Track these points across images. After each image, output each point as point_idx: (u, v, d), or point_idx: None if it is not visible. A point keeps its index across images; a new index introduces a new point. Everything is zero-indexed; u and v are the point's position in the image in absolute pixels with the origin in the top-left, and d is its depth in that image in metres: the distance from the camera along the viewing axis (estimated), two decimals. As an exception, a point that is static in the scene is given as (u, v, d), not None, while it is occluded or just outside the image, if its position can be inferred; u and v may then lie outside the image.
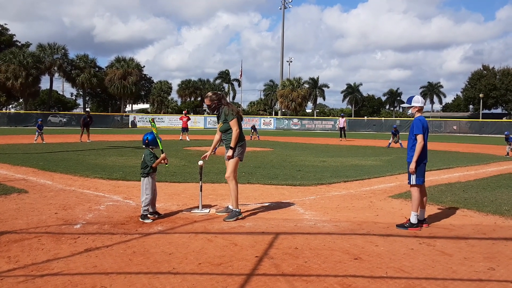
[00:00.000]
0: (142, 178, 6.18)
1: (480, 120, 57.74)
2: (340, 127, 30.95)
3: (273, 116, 70.37)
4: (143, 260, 4.38)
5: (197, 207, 6.74)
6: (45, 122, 50.10)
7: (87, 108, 73.10)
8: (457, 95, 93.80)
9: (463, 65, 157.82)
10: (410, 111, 6.15)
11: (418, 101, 6.06)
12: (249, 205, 7.21)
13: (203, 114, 74.50)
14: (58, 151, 17.05)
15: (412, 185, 5.96)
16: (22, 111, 58.73)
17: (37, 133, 22.16)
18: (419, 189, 5.94)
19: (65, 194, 7.85)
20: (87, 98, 77.52)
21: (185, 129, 26.16)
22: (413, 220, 5.82)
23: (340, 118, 31.66)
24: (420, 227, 5.85)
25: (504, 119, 62.76)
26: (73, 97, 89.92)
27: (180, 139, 25.66)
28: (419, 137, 5.82)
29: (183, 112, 28.88)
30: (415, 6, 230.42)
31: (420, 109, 6.08)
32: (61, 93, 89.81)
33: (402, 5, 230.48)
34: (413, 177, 5.91)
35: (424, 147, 5.87)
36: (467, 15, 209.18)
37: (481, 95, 65.82)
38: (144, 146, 6.25)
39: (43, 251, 4.62)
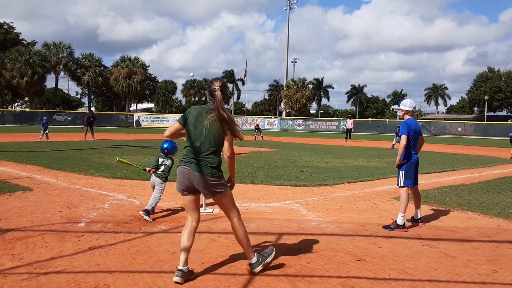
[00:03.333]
0: (161, 181, 6.41)
1: (485, 122, 57.48)
2: (348, 128, 30.91)
3: (277, 116, 70.32)
4: (146, 259, 4.39)
5: (201, 207, 6.75)
6: (50, 121, 50.19)
7: (92, 107, 73.23)
8: (462, 97, 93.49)
9: (467, 68, 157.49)
10: (398, 113, 6.33)
11: (406, 104, 6.24)
12: (252, 206, 7.21)
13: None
14: (63, 149, 17.11)
15: (401, 187, 6.06)
16: (27, 110, 58.93)
17: (42, 131, 22.27)
18: (408, 191, 6.06)
19: (69, 193, 7.88)
20: (92, 97, 77.73)
21: None
22: (400, 221, 5.87)
23: (348, 119, 31.61)
24: (407, 228, 5.91)
25: (509, 122, 62.45)
26: (78, 96, 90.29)
27: None
28: (403, 138, 5.96)
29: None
30: (418, 8, 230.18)
31: (408, 113, 6.21)
32: (66, 91, 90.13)
33: (405, 6, 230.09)
34: (402, 179, 6.04)
35: (408, 147, 5.99)
36: (471, 17, 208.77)
37: (486, 97, 65.54)
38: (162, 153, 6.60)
39: (47, 249, 4.64)
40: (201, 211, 6.54)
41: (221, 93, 3.85)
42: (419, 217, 6.23)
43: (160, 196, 6.40)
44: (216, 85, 3.87)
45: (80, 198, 7.39)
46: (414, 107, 6.24)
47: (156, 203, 6.31)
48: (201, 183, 3.83)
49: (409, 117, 6.18)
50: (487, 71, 74.76)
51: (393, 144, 23.43)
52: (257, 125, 33.06)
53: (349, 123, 30.91)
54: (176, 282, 3.76)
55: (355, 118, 72.74)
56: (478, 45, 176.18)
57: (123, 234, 5.28)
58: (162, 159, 6.49)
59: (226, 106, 3.89)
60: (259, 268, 4.02)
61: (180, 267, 3.82)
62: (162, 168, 6.47)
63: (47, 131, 22.19)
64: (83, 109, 77.67)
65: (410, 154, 6.02)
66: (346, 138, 30.59)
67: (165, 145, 6.55)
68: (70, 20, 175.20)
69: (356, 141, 30.50)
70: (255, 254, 4.06)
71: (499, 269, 4.36)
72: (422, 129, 6.67)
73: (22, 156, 13.66)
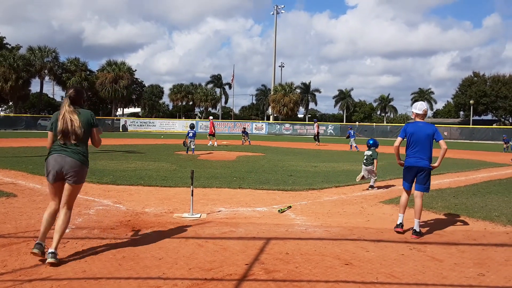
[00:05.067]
0: (365, 167, 9.58)
1: (471, 126, 58.18)
2: (315, 132, 30.82)
3: (265, 121, 70.41)
4: (132, 265, 4.34)
5: (188, 212, 6.71)
6: (35, 126, 49.73)
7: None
8: (447, 101, 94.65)
9: (451, 72, 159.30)
10: (412, 115, 6.46)
11: (415, 107, 6.27)
12: (240, 210, 7.18)
13: (195, 118, 74.44)
14: (48, 154, 16.86)
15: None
16: (11, 115, 58.23)
17: None
18: (406, 194, 6.15)
19: (55, 198, 7.76)
20: (78, 102, 76.89)
21: (211, 135, 25.54)
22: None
23: (314, 123, 31.51)
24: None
25: (494, 126, 63.34)
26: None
27: (210, 144, 25.03)
28: (397, 140, 6.18)
29: (210, 118, 28.12)
30: (402, 13, 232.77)
31: (418, 115, 6.18)
32: (52, 96, 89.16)
33: (389, 12, 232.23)
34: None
35: (406, 149, 6.16)
36: (454, 22, 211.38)
37: (471, 102, 66.40)
38: (367, 146, 9.88)
39: (32, 255, 4.56)
40: (188, 216, 6.52)
41: (71, 98, 4.62)
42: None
43: (375, 174, 9.67)
44: (67, 93, 4.69)
45: (66, 204, 7.27)
46: (425, 110, 6.18)
47: (375, 180, 9.77)
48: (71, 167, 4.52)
49: (419, 119, 6.17)
50: (472, 75, 75.77)
51: (354, 146, 24.67)
52: (244, 128, 32.26)
53: (314, 127, 30.82)
54: (52, 264, 4.23)
55: (343, 122, 73.20)
56: (462, 50, 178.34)
57: (109, 240, 5.22)
58: (366, 152, 9.64)
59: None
60: (52, 260, 4.26)
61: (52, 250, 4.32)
62: (365, 158, 9.58)
63: None
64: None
65: (406, 156, 6.14)
66: (317, 142, 30.39)
67: (370, 142, 9.85)
68: (54, 24, 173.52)
69: (324, 145, 30.67)
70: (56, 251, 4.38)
71: (485, 272, 4.39)
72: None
73: (6, 162, 13.46)
